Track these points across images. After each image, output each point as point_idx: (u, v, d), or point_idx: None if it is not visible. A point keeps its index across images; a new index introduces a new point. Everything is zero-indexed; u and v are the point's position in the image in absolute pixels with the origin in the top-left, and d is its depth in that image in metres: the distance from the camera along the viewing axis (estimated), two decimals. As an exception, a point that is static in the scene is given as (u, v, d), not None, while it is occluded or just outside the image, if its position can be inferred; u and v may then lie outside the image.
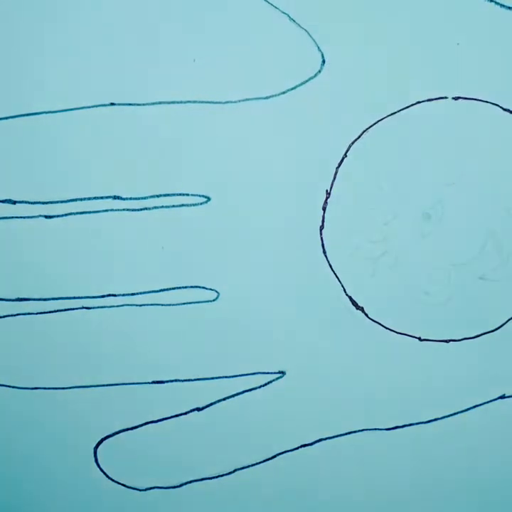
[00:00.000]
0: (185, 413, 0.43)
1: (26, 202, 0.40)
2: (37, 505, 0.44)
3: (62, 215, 0.40)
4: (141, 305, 0.42)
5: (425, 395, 0.42)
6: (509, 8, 0.38)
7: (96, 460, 0.43)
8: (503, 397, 0.42)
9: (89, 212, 0.40)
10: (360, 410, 0.43)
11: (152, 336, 0.42)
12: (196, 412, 0.43)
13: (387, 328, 0.42)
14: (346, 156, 0.40)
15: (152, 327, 0.42)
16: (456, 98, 0.39)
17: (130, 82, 0.39)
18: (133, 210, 0.40)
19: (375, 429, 0.43)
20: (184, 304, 0.41)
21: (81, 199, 0.40)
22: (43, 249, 0.41)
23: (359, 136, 0.39)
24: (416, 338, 0.42)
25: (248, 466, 0.43)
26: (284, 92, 0.39)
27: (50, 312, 0.42)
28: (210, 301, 0.41)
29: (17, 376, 0.43)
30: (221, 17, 0.38)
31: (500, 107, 0.39)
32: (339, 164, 0.40)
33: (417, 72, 0.39)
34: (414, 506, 0.44)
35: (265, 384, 0.42)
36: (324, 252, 0.41)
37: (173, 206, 0.40)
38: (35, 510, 0.44)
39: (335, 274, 0.41)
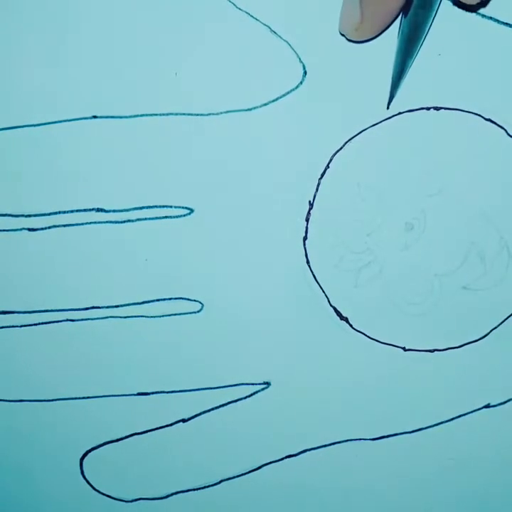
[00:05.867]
0: (171, 424, 0.43)
1: (9, 215, 0.40)
2: (24, 516, 0.44)
3: (45, 228, 0.41)
4: (125, 317, 0.42)
5: (410, 404, 0.42)
6: (490, 18, 0.38)
7: (82, 472, 0.44)
8: (488, 406, 0.42)
9: (73, 224, 0.40)
10: (345, 421, 0.43)
11: (136, 348, 0.42)
12: (181, 423, 0.43)
13: (371, 338, 0.42)
14: (329, 167, 0.40)
15: (136, 339, 0.42)
16: (437, 108, 0.39)
17: (112, 95, 0.39)
18: (116, 222, 0.40)
19: (361, 439, 0.43)
20: (168, 315, 0.41)
21: (64, 212, 0.40)
22: (27, 262, 0.41)
23: (341, 147, 0.39)
24: (400, 348, 0.42)
25: (234, 477, 0.43)
26: (265, 104, 0.39)
27: (34, 324, 0.42)
28: (194, 312, 0.41)
29: (1, 388, 0.43)
30: (202, 30, 0.38)
31: (482, 117, 0.39)
32: (322, 175, 0.40)
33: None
34: (400, 516, 0.44)
35: (250, 395, 0.42)
36: (308, 262, 0.41)
37: (157, 218, 0.40)
38: (22, 521, 0.44)
39: (319, 284, 0.41)
